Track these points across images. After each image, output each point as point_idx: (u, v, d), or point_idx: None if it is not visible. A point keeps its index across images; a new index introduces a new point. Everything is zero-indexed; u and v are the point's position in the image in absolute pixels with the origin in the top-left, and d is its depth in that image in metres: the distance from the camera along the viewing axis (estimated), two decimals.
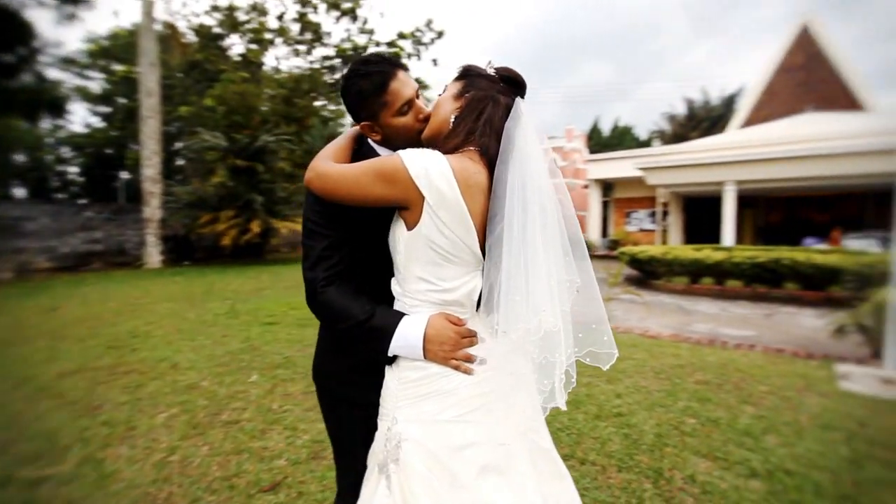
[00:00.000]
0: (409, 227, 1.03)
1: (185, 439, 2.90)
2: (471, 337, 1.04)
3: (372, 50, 21.96)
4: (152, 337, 5.57)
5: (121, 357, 4.73)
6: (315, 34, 21.05)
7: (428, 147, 1.20)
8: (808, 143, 14.46)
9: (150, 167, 14.62)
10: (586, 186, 25.73)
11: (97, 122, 24.62)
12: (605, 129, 41.82)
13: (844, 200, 19.08)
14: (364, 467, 1.20)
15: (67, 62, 19.50)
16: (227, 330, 5.89)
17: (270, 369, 4.25)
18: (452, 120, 1.11)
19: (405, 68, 1.18)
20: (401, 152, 1.03)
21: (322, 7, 20.57)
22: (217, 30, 19.92)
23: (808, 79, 23.05)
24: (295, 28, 20.82)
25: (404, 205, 1.02)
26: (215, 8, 19.43)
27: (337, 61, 22.22)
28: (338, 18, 21.23)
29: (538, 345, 1.01)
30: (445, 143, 1.09)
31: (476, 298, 1.07)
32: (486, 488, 0.92)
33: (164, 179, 15.41)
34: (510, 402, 1.02)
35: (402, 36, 22.17)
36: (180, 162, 22.23)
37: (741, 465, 2.48)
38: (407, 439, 0.97)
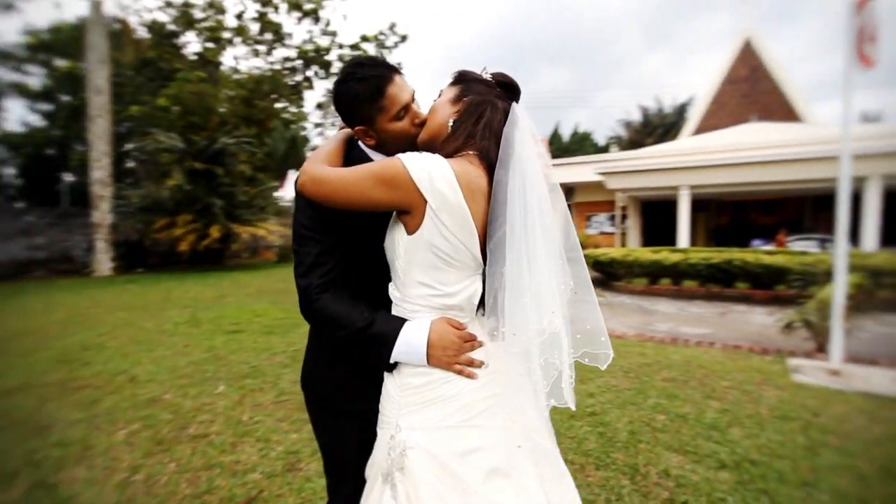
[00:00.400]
0: (410, 231, 1.01)
1: (150, 456, 2.75)
2: (472, 341, 1.04)
3: (336, 52, 21.69)
4: (106, 349, 5.25)
5: (72, 371, 4.43)
6: (276, 34, 20.58)
7: (424, 151, 1.20)
8: (752, 151, 15.37)
9: (100, 169, 13.85)
10: None
11: (36, 121, 23.07)
12: (566, 134, 42.91)
13: (786, 204, 20.40)
14: (361, 478, 1.18)
15: (3, 56, 18.22)
16: (188, 339, 5.64)
17: (238, 379, 4.09)
18: (451, 124, 1.11)
19: (401, 72, 1.17)
20: (401, 156, 1.01)
21: (283, 7, 20.15)
22: (172, 27, 19.13)
23: (752, 90, 24.54)
24: (254, 28, 20.28)
25: (405, 209, 1.01)
26: (169, 4, 18.66)
27: (298, 63, 21.79)
28: (299, 19, 20.83)
29: (541, 347, 1.02)
30: (444, 146, 1.09)
31: (476, 302, 1.07)
32: (493, 492, 0.92)
33: (114, 182, 14.62)
34: (512, 405, 1.03)
35: (365, 39, 21.99)
36: (131, 164, 21.15)
37: (710, 457, 2.59)
38: (412, 447, 0.96)
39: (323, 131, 23.50)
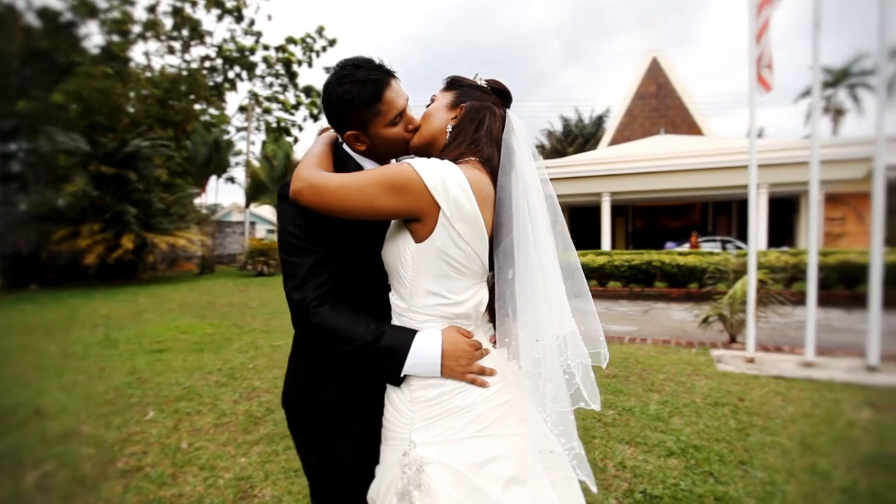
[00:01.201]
0: (419, 239, 0.98)
1: (70, 500, 2.43)
2: (481, 349, 1.03)
3: (260, 54, 20.72)
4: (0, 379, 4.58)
5: None
6: (193, 31, 19.28)
7: (418, 157, 1.18)
8: (662, 161, 16.78)
9: None
10: None
11: None
12: None
13: (691, 209, 22.54)
14: (358, 499, 1.12)
15: None
16: (104, 362, 5.06)
17: (170, 403, 3.74)
18: (449, 130, 1.10)
19: (397, 77, 1.13)
20: (411, 161, 0.98)
21: (202, 2, 18.93)
22: (69, 16, 17.22)
23: (659, 105, 26.88)
24: (169, 23, 18.86)
25: (416, 216, 0.97)
26: None
27: (219, 62, 20.56)
28: (220, 16, 19.69)
29: (559, 349, 1.02)
30: (445, 153, 1.06)
31: (483, 310, 1.06)
32: (513, 500, 0.91)
33: None
34: (521, 410, 1.03)
35: (291, 41, 21.26)
36: (16, 167, 18.66)
37: (659, 447, 2.77)
38: (430, 462, 0.92)
39: (247, 135, 22.33)
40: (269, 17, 26.60)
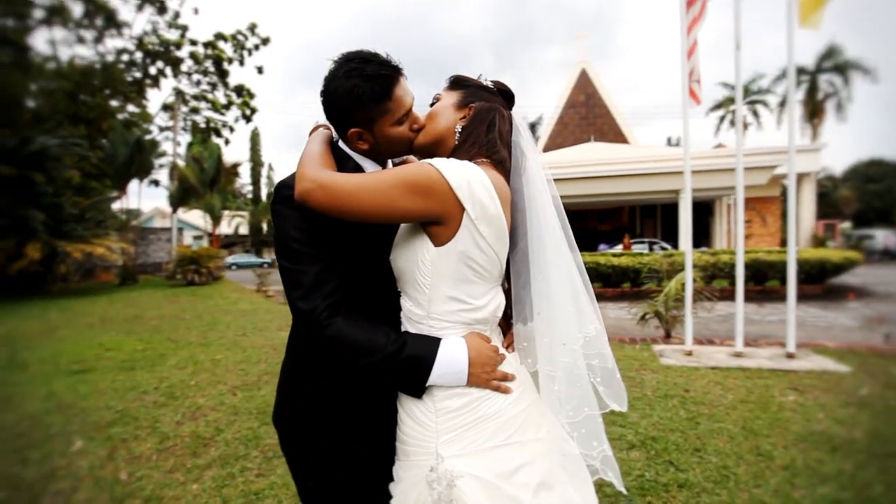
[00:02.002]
0: (440, 242, 0.95)
1: None
2: (501, 354, 1.01)
3: (188, 49, 19.38)
4: None
5: None
6: (108, 20, 17.68)
7: (422, 157, 1.14)
8: (593, 167, 17.72)
9: None
10: None
11: None
12: None
13: (620, 213, 23.98)
14: None
15: None
16: (11, 388, 4.47)
17: (100, 430, 3.36)
18: (458, 130, 1.07)
19: (404, 73, 1.09)
20: (434, 162, 0.95)
21: None
22: None
23: (588, 114, 28.40)
24: (78, 9, 17.15)
25: (438, 219, 0.93)
26: None
27: (138, 56, 19.01)
28: (139, 6, 18.23)
29: (585, 351, 1.03)
30: (457, 154, 1.03)
31: (500, 314, 1.04)
32: None
33: None
34: (541, 413, 1.02)
35: (221, 37, 20.14)
36: None
37: (620, 440, 2.89)
38: (460, 475, 0.88)
39: (173, 135, 20.77)
40: (196, 11, 24.84)
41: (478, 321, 1.00)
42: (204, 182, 19.89)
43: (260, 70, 21.97)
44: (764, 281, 11.93)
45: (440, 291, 0.97)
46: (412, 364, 0.96)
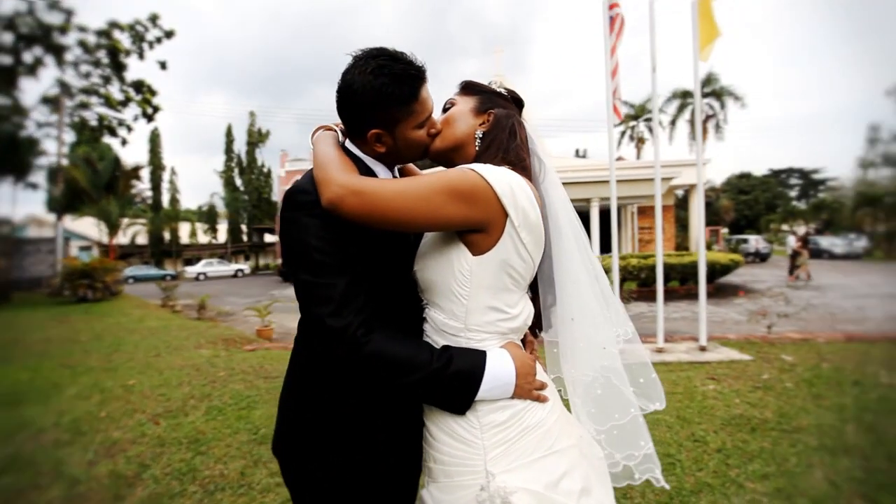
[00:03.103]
0: (480, 251, 0.92)
1: None
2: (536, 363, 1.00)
3: (75, 36, 17.17)
4: None
5: None
6: None
7: (438, 162, 1.11)
8: None
9: None
10: None
11: None
12: None
13: None
14: None
15: None
16: None
17: None
18: (479, 136, 1.05)
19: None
20: (475, 167, 0.92)
21: None
22: None
23: None
24: None
25: (480, 226, 0.90)
26: None
27: (8, 38, 16.51)
28: None
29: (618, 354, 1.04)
30: (481, 160, 1.01)
31: (530, 322, 1.04)
32: None
33: None
34: (569, 419, 1.02)
35: (116, 26, 18.13)
36: None
37: None
38: (514, 491, 0.85)
39: (57, 133, 18.19)
40: None
41: (512, 330, 0.99)
42: (97, 186, 17.68)
43: (163, 65, 20.07)
44: (666, 282, 13.20)
45: (479, 302, 0.94)
46: (461, 379, 0.91)
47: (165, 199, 37.61)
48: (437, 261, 0.97)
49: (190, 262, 32.60)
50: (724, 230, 31.52)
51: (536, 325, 1.08)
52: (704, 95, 30.35)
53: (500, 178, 0.90)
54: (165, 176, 37.89)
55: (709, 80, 30.29)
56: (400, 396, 0.97)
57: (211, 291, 13.69)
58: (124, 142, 20.92)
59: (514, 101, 1.15)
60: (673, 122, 29.67)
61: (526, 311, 1.01)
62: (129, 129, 21.04)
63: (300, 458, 1.04)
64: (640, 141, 33.21)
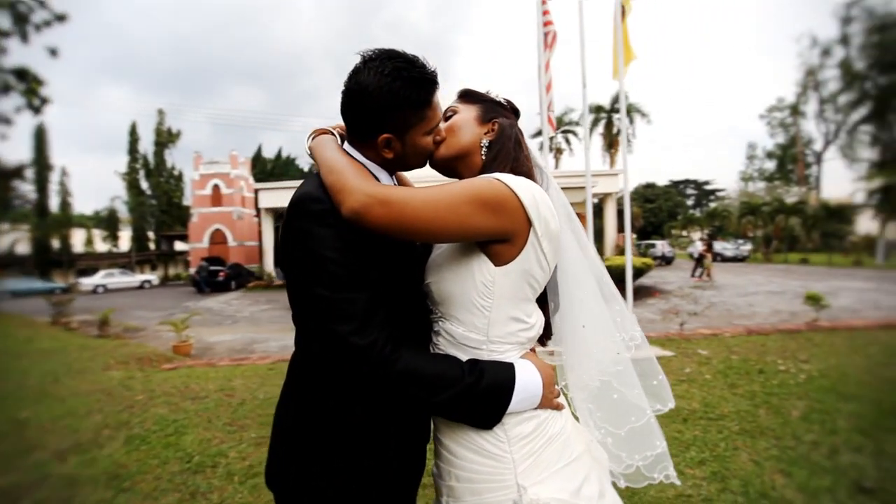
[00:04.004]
0: (503, 261, 0.90)
1: None
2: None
3: None
4: None
5: None
6: None
7: (441, 170, 1.09)
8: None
9: None
10: (258, 215, 25.05)
11: None
12: (268, 157, 42.00)
13: None
14: None
15: None
16: None
17: None
18: (486, 145, 1.04)
19: None
20: (499, 176, 0.90)
21: None
22: None
23: None
24: None
25: (506, 237, 0.89)
26: None
27: None
28: None
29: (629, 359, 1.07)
30: (490, 169, 1.00)
31: (542, 329, 1.04)
32: None
33: None
34: (576, 425, 1.04)
35: None
36: None
37: None
38: (547, 503, 0.84)
39: None
40: None
41: (529, 340, 0.99)
42: None
43: (53, 52, 17.88)
44: None
45: (502, 313, 0.93)
46: (494, 393, 0.89)
47: (54, 203, 33.34)
48: (457, 272, 0.94)
49: (85, 272, 29.05)
50: (634, 236, 34.32)
51: (545, 334, 1.08)
52: (615, 111, 32.93)
53: (525, 188, 0.90)
54: (54, 177, 33.59)
55: (618, 97, 32.98)
56: (423, 411, 0.93)
57: (114, 305, 12.32)
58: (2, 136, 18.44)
59: (516, 113, 1.16)
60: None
61: (540, 319, 1.01)
62: (8, 121, 18.56)
63: (314, 489, 0.95)
64: (559, 151, 35.13)
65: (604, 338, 1.06)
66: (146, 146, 35.87)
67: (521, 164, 1.03)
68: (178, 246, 36.27)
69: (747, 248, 29.48)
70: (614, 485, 1.03)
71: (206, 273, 22.47)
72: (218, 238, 28.73)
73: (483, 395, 0.89)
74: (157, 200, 34.91)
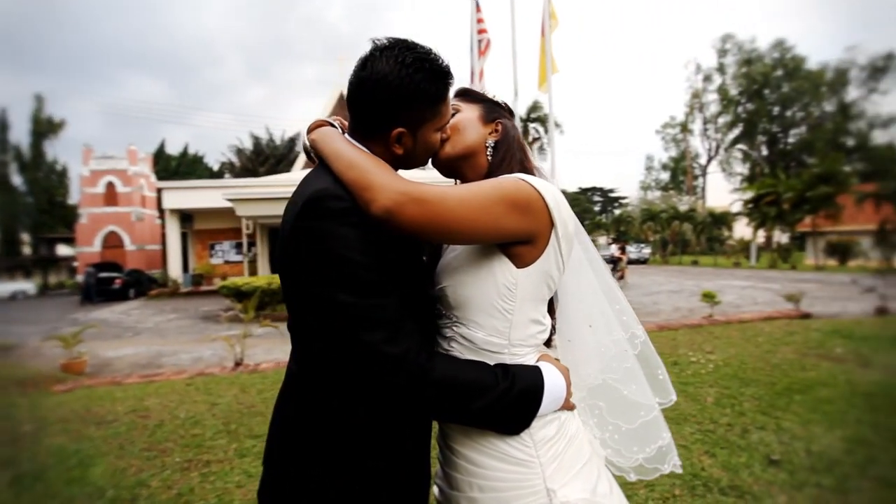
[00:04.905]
0: (525, 263, 0.88)
1: None
2: None
3: None
4: None
5: None
6: None
7: (444, 169, 1.05)
8: None
9: None
10: (161, 216, 22.88)
11: None
12: (172, 153, 38.65)
13: None
14: None
15: None
16: None
17: None
18: (492, 145, 1.02)
19: None
20: (523, 177, 0.89)
21: None
22: None
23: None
24: None
25: (529, 238, 0.87)
26: None
27: None
28: None
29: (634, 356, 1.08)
30: (497, 171, 0.99)
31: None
32: None
33: None
34: (582, 422, 1.05)
35: None
36: None
37: None
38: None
39: None
40: None
41: (544, 340, 0.99)
42: None
43: None
44: None
45: (524, 315, 0.91)
46: (527, 398, 0.87)
47: None
48: (476, 275, 0.91)
49: None
50: None
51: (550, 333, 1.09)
52: (532, 121, 34.57)
53: (548, 190, 0.90)
54: None
55: (535, 107, 34.69)
56: (455, 420, 0.89)
57: None
58: None
59: (511, 114, 1.15)
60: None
61: (550, 320, 1.01)
62: None
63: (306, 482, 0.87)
64: None
65: (610, 336, 1.08)
66: (19, 136, 31.17)
67: (528, 166, 1.03)
68: (62, 250, 31.88)
69: (648, 251, 32.54)
70: (621, 479, 1.06)
71: (95, 280, 19.87)
72: (113, 241, 25.57)
73: (516, 400, 0.87)
74: (36, 199, 30.52)
